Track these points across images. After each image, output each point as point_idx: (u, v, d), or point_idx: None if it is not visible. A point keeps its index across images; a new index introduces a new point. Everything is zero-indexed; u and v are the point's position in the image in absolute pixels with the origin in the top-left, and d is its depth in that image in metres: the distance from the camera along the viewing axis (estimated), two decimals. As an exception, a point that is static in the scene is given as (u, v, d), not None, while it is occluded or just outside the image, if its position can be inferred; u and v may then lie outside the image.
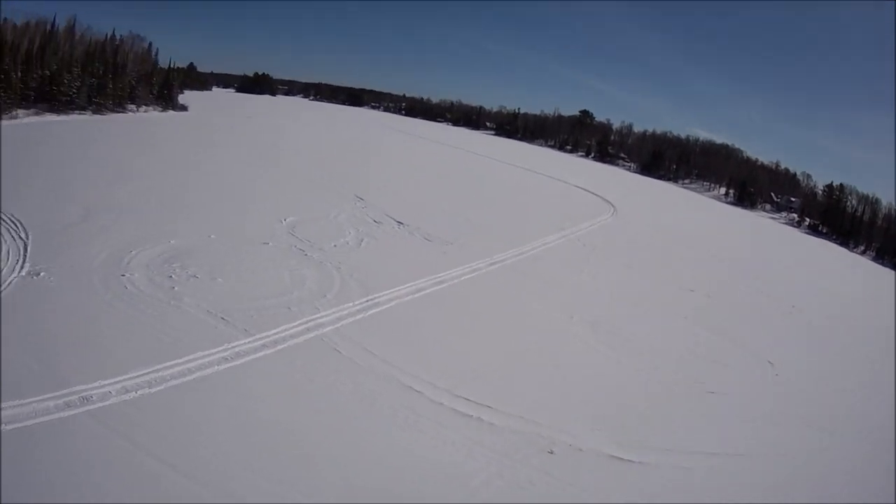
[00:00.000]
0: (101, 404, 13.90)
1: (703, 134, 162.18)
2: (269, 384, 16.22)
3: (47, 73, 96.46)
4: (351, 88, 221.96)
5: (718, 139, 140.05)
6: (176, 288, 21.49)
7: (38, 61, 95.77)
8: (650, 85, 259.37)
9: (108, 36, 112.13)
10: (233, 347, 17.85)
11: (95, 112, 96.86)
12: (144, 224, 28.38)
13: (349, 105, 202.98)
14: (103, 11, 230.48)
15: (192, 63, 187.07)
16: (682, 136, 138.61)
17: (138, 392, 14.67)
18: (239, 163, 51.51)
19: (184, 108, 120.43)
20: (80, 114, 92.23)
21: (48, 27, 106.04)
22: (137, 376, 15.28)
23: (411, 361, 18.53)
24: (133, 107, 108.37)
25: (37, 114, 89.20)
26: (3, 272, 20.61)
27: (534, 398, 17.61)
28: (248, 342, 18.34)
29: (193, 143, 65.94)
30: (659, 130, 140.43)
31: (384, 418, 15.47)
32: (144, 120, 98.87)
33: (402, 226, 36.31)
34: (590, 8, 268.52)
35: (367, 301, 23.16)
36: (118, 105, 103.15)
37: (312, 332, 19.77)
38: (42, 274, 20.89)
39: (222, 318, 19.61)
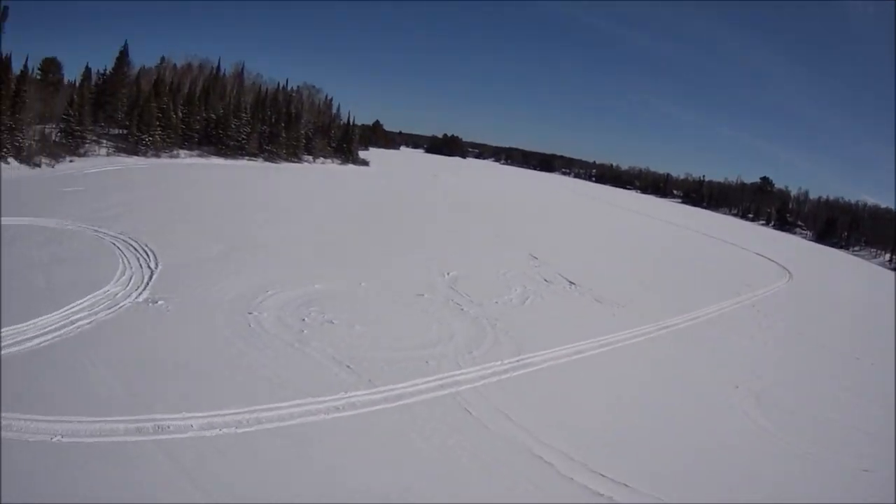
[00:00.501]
0: (175, 436, 14.06)
1: (871, 199, 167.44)
2: (375, 440, 15.54)
3: (212, 116, 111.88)
4: (542, 154, 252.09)
5: (883, 204, 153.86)
6: (305, 331, 22.31)
7: (201, 104, 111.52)
8: (824, 150, 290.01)
9: (281, 85, 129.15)
10: (348, 397, 17.61)
11: (267, 160, 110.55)
12: (290, 266, 31.41)
13: (540, 170, 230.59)
14: (278, 61, 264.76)
15: (377, 121, 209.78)
16: (853, 201, 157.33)
17: (223, 430, 14.71)
18: (412, 216, 58.55)
19: (364, 162, 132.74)
20: (250, 160, 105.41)
21: (213, 70, 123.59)
22: (229, 414, 15.41)
23: (549, 429, 17.83)
24: (309, 157, 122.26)
25: (201, 155, 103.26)
26: (119, 295, 22.84)
27: (679, 480, 16.50)
28: (368, 393, 18.04)
29: (366, 194, 75.23)
30: (832, 196, 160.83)
31: (499, 489, 14.32)
32: (318, 170, 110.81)
33: (573, 286, 38.10)
34: (771, 78, 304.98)
35: (518, 361, 22.95)
36: (292, 155, 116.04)
37: (446, 389, 19.50)
38: (160, 302, 22.79)
39: (347, 366, 19.69)
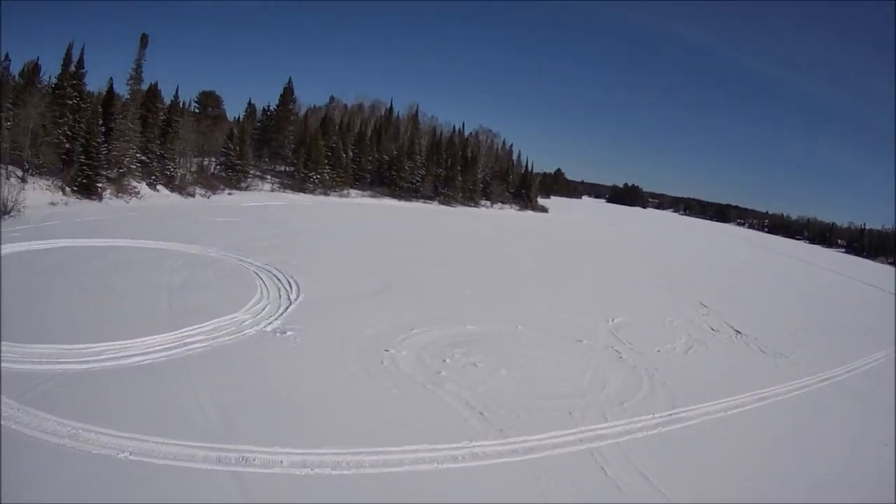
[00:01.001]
0: (258, 470, 13.43)
1: None
2: (483, 497, 13.96)
3: (385, 157, 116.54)
4: (718, 204, 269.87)
5: None
6: (443, 373, 21.35)
7: (373, 144, 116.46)
8: None
9: (457, 128, 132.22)
10: (472, 446, 16.19)
11: (443, 203, 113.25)
12: (445, 306, 31.36)
13: (715, 220, 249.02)
14: (454, 104, 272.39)
15: (559, 169, 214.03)
16: None
17: (314, 470, 13.81)
18: (585, 261, 59.55)
19: (543, 209, 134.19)
20: (424, 202, 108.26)
21: (386, 111, 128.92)
22: (327, 453, 14.58)
23: (690, 494, 16.16)
24: (486, 202, 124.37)
25: (373, 196, 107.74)
26: (245, 323, 22.91)
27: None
28: (496, 444, 16.55)
29: (539, 239, 76.29)
30: None
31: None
32: (493, 215, 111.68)
33: (739, 335, 37.36)
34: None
35: (670, 415, 21.67)
36: (469, 199, 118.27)
37: (585, 443, 18.06)
38: (289, 333, 22.63)
39: (480, 413, 18.42)
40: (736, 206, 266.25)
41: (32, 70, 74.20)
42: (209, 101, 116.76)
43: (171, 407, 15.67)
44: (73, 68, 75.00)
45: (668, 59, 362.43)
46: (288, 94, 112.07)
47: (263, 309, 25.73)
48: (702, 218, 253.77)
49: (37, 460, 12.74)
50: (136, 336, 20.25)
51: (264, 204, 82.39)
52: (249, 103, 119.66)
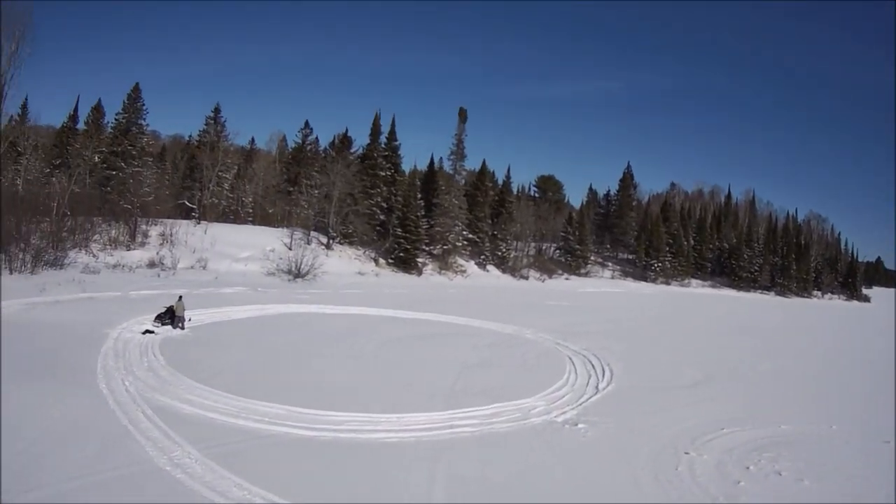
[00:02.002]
0: None
1: None
2: None
3: (725, 245, 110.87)
4: None
5: None
6: (742, 483, 17.20)
7: (714, 232, 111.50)
8: None
9: (791, 214, 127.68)
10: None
11: (779, 293, 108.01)
12: (765, 402, 26.68)
13: None
14: (785, 187, 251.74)
15: (878, 257, 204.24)
16: None
17: None
18: None
19: (866, 298, 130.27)
20: (762, 293, 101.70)
21: (724, 199, 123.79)
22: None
23: None
24: (817, 293, 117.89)
25: (713, 286, 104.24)
26: (535, 410, 20.61)
27: None
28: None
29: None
30: None
31: None
32: (824, 306, 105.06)
33: None
34: None
35: None
36: (802, 289, 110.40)
37: None
38: (581, 425, 19.64)
39: None
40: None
41: (342, 141, 79.54)
42: (548, 185, 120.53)
43: (386, 492, 13.45)
44: (383, 139, 79.07)
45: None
46: (628, 180, 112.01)
47: (563, 397, 22.75)
48: None
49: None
50: (398, 411, 19.16)
51: (603, 290, 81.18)
52: (590, 188, 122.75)
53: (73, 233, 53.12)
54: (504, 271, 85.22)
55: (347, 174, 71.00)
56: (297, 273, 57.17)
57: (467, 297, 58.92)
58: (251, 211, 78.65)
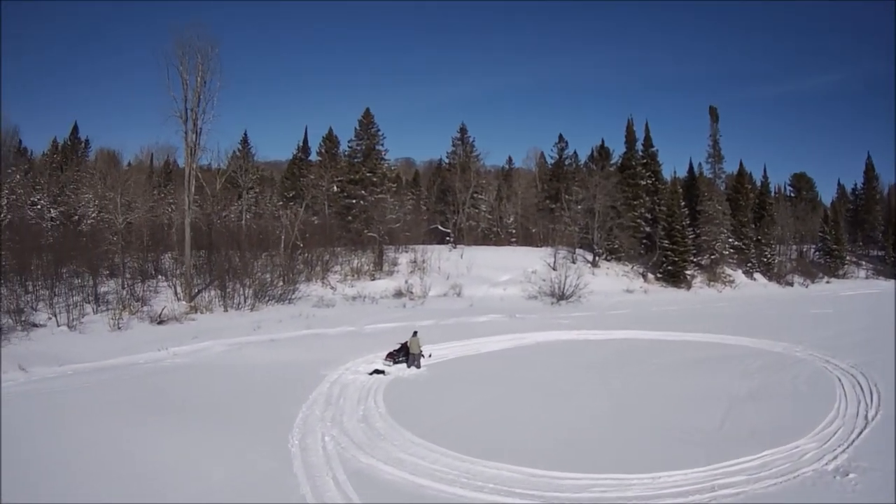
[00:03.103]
0: None
1: None
2: None
3: None
4: None
5: None
6: None
7: None
8: None
9: None
10: None
11: None
12: None
13: None
14: None
15: None
16: None
17: None
18: None
19: None
20: None
21: None
22: None
23: None
24: None
25: None
26: (807, 457, 17.85)
27: None
28: None
29: None
30: None
31: None
32: None
33: None
34: None
35: None
36: None
37: None
38: (851, 475, 16.64)
39: None
40: None
41: (600, 152, 78.41)
42: (802, 183, 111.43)
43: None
44: (639, 147, 77.19)
45: None
46: (871, 172, 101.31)
47: (835, 433, 20.16)
48: None
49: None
50: (652, 468, 16.86)
51: (860, 292, 73.37)
52: (839, 184, 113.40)
53: (310, 265, 53.92)
54: (770, 279, 79.42)
55: (608, 186, 69.32)
56: (560, 295, 56.54)
57: (736, 310, 55.69)
58: (513, 231, 78.96)
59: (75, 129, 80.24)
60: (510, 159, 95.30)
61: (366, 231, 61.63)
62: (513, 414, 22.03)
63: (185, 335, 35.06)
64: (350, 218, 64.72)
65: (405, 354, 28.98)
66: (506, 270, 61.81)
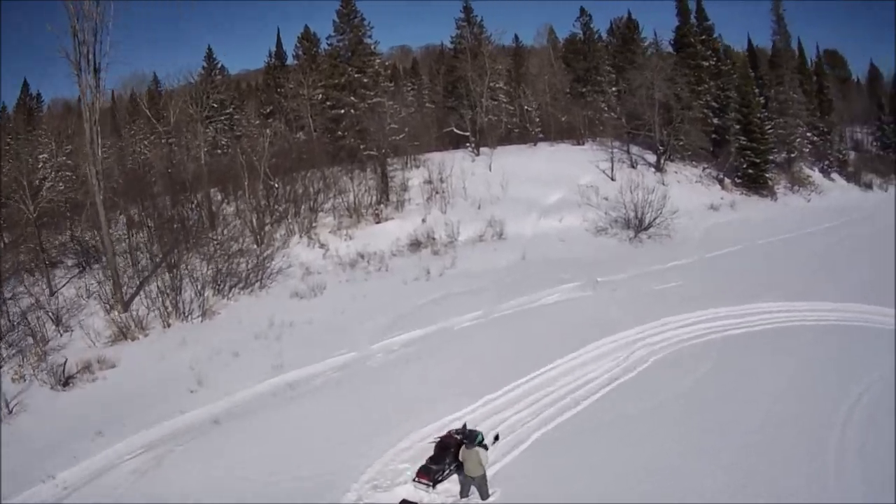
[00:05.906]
0: None
1: None
2: None
3: None
4: None
5: None
6: None
7: None
8: None
9: None
10: None
11: None
12: None
13: None
14: None
15: None
16: None
17: None
18: None
19: None
20: None
21: None
22: None
23: None
24: None
25: None
26: None
27: None
28: None
29: None
30: None
31: None
32: None
33: None
34: None
35: None
36: None
37: None
38: None
39: None
40: None
41: (627, 26, 64.05)
42: (835, 61, 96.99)
43: None
44: (694, 21, 60.18)
45: None
46: None
47: None
48: None
49: None
50: None
51: None
52: (871, 64, 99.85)
53: (295, 202, 39.26)
54: (848, 179, 64.74)
55: (666, 68, 52.03)
56: (637, 225, 39.47)
57: (845, 234, 42.31)
58: (539, 123, 60.33)
59: (25, 86, 66.68)
60: (517, 37, 75.85)
61: (362, 147, 45.12)
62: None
63: (90, 420, 18.86)
64: (340, 133, 47.85)
65: (452, 462, 14.53)
66: (552, 185, 44.65)
